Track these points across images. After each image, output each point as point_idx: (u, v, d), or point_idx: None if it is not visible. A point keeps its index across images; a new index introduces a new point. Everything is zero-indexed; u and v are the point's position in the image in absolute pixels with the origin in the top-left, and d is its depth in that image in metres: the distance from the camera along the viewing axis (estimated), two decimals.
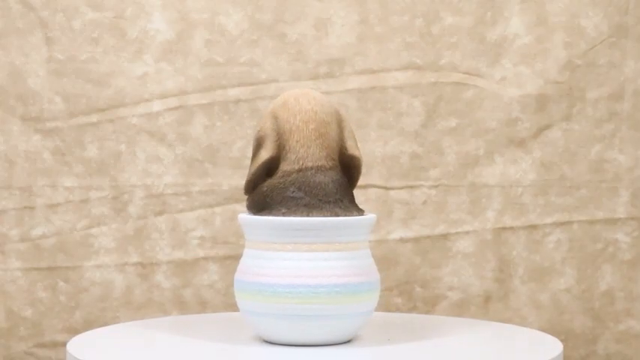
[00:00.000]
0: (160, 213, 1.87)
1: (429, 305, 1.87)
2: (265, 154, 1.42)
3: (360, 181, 1.84)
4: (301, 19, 1.86)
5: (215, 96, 1.86)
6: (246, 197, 1.46)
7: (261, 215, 1.40)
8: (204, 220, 1.87)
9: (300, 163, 1.41)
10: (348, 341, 1.41)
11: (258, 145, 1.43)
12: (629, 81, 1.86)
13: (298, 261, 1.36)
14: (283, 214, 1.39)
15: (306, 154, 1.41)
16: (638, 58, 1.86)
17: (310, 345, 1.38)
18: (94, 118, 1.86)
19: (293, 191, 1.40)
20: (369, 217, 1.41)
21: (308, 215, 1.39)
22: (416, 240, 1.87)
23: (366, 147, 1.86)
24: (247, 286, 1.39)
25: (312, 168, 1.41)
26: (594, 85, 1.86)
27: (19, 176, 1.86)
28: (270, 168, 1.42)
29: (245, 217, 1.41)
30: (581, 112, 1.87)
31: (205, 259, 1.87)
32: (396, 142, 1.87)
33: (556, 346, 1.41)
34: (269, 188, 1.41)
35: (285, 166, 1.41)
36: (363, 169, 1.85)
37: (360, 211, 1.43)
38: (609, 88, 1.86)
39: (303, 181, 1.40)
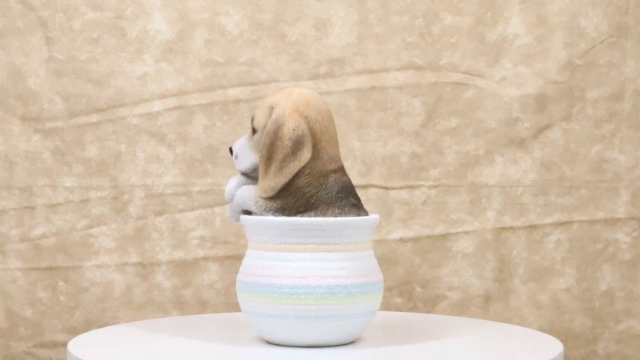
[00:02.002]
0: (160, 213, 1.87)
1: (429, 305, 1.87)
2: (308, 155, 1.39)
3: (360, 181, 1.85)
4: (301, 19, 1.86)
5: (215, 96, 1.86)
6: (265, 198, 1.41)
7: (307, 216, 1.38)
8: (204, 220, 1.87)
9: (333, 164, 1.40)
10: (352, 342, 1.41)
11: (298, 145, 1.38)
12: (629, 81, 1.86)
13: (301, 262, 1.36)
14: (338, 215, 1.38)
15: (334, 154, 1.41)
16: (638, 58, 1.86)
17: (314, 346, 1.38)
18: (94, 118, 1.86)
19: (338, 192, 1.39)
20: (373, 217, 1.41)
21: (358, 215, 1.40)
22: (416, 240, 1.87)
23: (366, 147, 1.86)
24: (250, 286, 1.38)
25: (340, 169, 1.41)
26: (594, 85, 1.86)
27: (19, 176, 1.86)
28: None
29: (248, 218, 1.41)
30: (581, 112, 1.87)
31: (205, 259, 1.87)
32: (396, 142, 1.87)
33: (556, 346, 1.41)
34: (312, 189, 1.39)
35: (320, 167, 1.39)
36: (363, 169, 1.85)
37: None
38: (609, 88, 1.86)
39: (342, 181, 1.40)
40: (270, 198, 1.39)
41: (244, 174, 1.45)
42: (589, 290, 1.87)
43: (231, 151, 1.46)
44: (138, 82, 1.86)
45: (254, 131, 1.42)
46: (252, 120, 1.42)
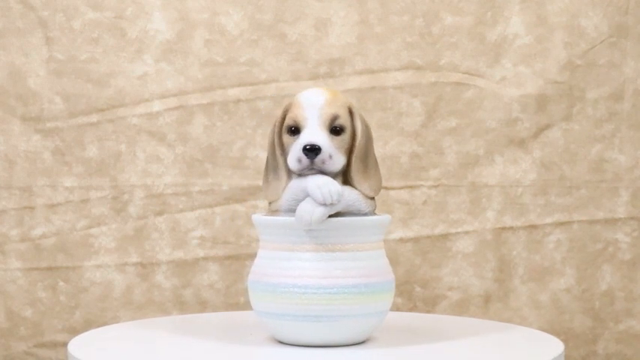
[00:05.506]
0: (160, 213, 1.87)
1: (429, 305, 1.87)
2: None
3: None
4: (301, 19, 1.86)
5: (215, 96, 1.86)
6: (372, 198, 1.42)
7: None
8: (204, 220, 1.87)
9: None
10: (362, 342, 1.41)
11: None
12: (629, 81, 1.86)
13: (314, 262, 1.36)
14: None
15: None
16: (638, 58, 1.86)
17: (325, 346, 1.38)
18: (94, 118, 1.86)
19: None
20: (385, 217, 1.41)
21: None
22: (416, 240, 1.87)
23: None
24: (262, 287, 1.38)
25: None
26: (594, 85, 1.86)
27: (19, 176, 1.86)
28: None
29: (260, 218, 1.40)
30: (581, 112, 1.87)
31: (205, 259, 1.87)
32: (396, 142, 1.87)
33: (557, 346, 1.41)
34: None
35: None
36: None
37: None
38: (609, 88, 1.86)
39: None
40: (372, 197, 1.41)
41: (325, 174, 1.39)
42: (589, 290, 1.87)
43: (317, 150, 1.37)
44: (138, 82, 1.86)
45: (340, 131, 1.39)
46: (335, 119, 1.38)
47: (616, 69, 1.86)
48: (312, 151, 1.36)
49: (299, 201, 1.36)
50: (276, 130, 1.41)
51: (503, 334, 1.52)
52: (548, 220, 1.87)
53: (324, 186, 1.34)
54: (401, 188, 1.87)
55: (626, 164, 1.86)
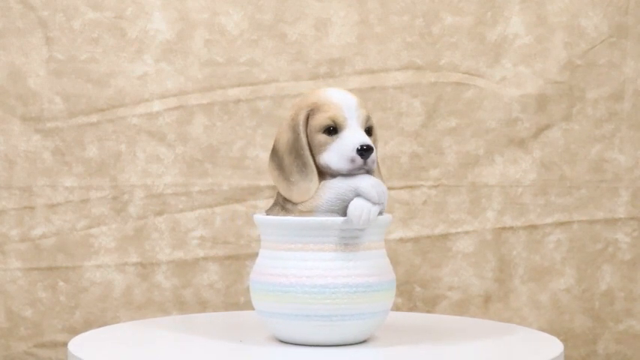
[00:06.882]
0: (160, 213, 1.87)
1: (429, 305, 1.87)
2: None
3: None
4: (301, 19, 1.86)
5: (215, 96, 1.86)
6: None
7: None
8: (204, 220, 1.87)
9: None
10: (363, 341, 1.41)
11: None
12: (629, 81, 1.86)
13: (315, 261, 1.36)
14: None
15: None
16: (638, 58, 1.86)
17: (326, 345, 1.38)
18: (94, 118, 1.86)
19: None
20: (386, 217, 1.41)
21: None
22: (416, 240, 1.87)
23: None
24: (264, 286, 1.38)
25: None
26: (594, 85, 1.86)
27: (19, 176, 1.86)
28: None
29: (261, 218, 1.40)
30: (581, 112, 1.87)
31: (205, 259, 1.87)
32: (396, 142, 1.87)
33: (556, 346, 1.41)
34: None
35: None
36: None
37: None
38: (609, 88, 1.86)
39: None
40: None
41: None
42: (589, 290, 1.87)
43: (371, 150, 1.37)
44: (138, 82, 1.86)
45: (370, 132, 1.40)
46: (368, 120, 1.40)
47: (616, 69, 1.86)
48: (367, 151, 1.36)
49: (345, 201, 1.36)
50: (302, 129, 1.39)
51: (503, 334, 1.52)
52: (548, 220, 1.87)
53: (377, 185, 1.36)
54: (401, 188, 1.87)
55: (626, 164, 1.87)
